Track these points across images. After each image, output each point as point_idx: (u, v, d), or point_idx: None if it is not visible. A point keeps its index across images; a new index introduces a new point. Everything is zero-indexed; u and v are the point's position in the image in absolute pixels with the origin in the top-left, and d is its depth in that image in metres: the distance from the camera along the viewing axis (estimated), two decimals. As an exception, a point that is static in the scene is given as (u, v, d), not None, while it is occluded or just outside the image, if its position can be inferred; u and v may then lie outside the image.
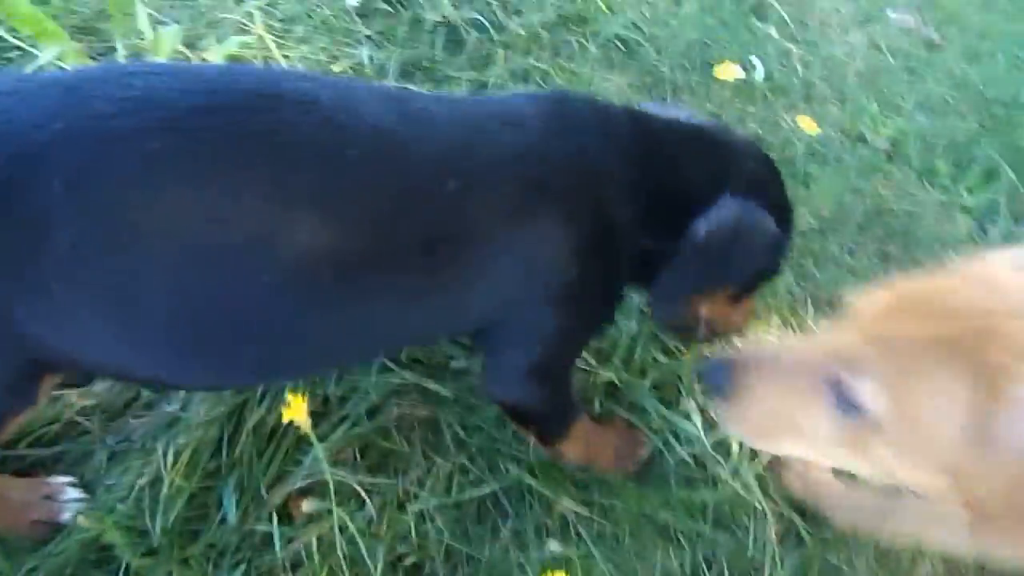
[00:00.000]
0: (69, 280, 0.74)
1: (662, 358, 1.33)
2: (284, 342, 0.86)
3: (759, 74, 1.96)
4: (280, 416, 1.14)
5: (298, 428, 1.15)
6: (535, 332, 0.97)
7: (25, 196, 0.71)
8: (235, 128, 0.76)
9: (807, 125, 1.70)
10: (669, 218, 0.98)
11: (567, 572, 0.92)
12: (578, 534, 1.13)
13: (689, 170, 1.02)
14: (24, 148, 0.71)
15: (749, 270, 1.03)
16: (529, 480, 1.14)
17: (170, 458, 1.11)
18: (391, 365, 1.23)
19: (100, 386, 1.20)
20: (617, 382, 1.28)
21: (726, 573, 1.16)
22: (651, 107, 1.13)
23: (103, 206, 0.73)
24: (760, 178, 1.06)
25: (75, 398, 1.17)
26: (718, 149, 1.05)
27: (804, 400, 0.76)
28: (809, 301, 1.54)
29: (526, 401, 1.05)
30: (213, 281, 0.78)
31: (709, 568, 1.15)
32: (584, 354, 1.27)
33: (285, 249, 0.78)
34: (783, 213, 1.07)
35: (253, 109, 0.78)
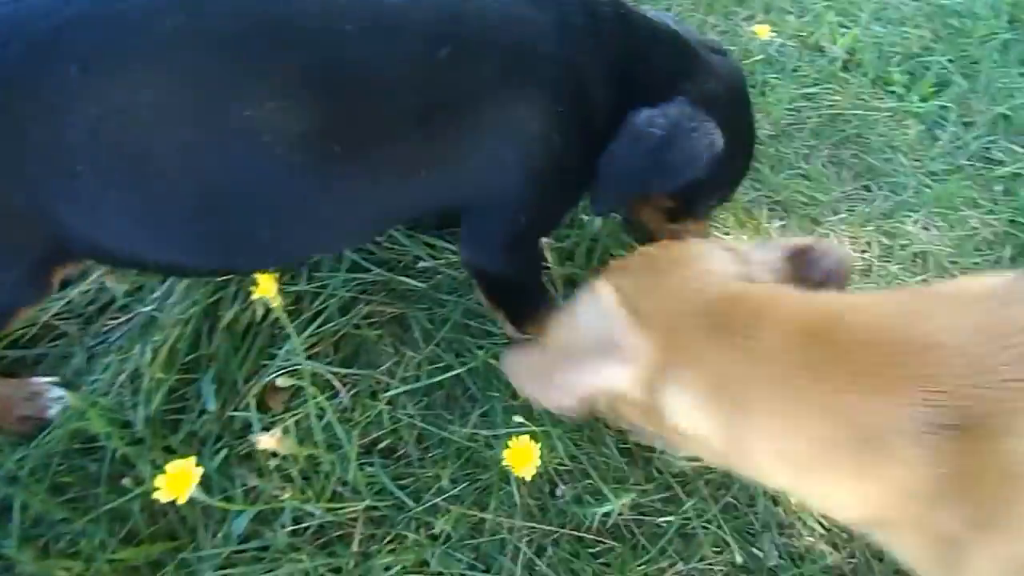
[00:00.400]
0: (91, 162, 0.78)
1: (622, 254, 1.39)
2: (295, 219, 0.91)
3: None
4: (253, 314, 1.19)
5: (272, 324, 1.20)
6: (514, 201, 1.02)
7: (45, 81, 0.75)
8: (240, 6, 0.80)
9: (761, 32, 1.73)
10: (630, 107, 1.01)
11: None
12: (539, 417, 1.20)
13: (659, 67, 1.05)
14: (40, 35, 0.74)
15: (681, 174, 1.02)
16: (495, 364, 1.20)
17: (148, 355, 1.15)
18: (362, 263, 1.27)
19: (75, 290, 1.23)
20: (577, 279, 1.34)
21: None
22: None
23: (118, 86, 0.77)
24: (724, 98, 1.08)
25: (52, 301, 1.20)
26: (693, 58, 1.08)
27: None
28: (764, 203, 1.60)
29: (500, 269, 1.11)
30: (227, 159, 0.83)
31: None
32: (546, 253, 1.32)
33: (295, 125, 0.82)
34: (737, 138, 1.08)
35: None
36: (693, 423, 0.81)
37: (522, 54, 0.93)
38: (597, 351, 0.83)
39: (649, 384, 0.81)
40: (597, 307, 0.85)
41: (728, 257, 0.88)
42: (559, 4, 0.98)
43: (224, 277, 1.19)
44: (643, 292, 0.84)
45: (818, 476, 0.76)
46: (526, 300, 1.18)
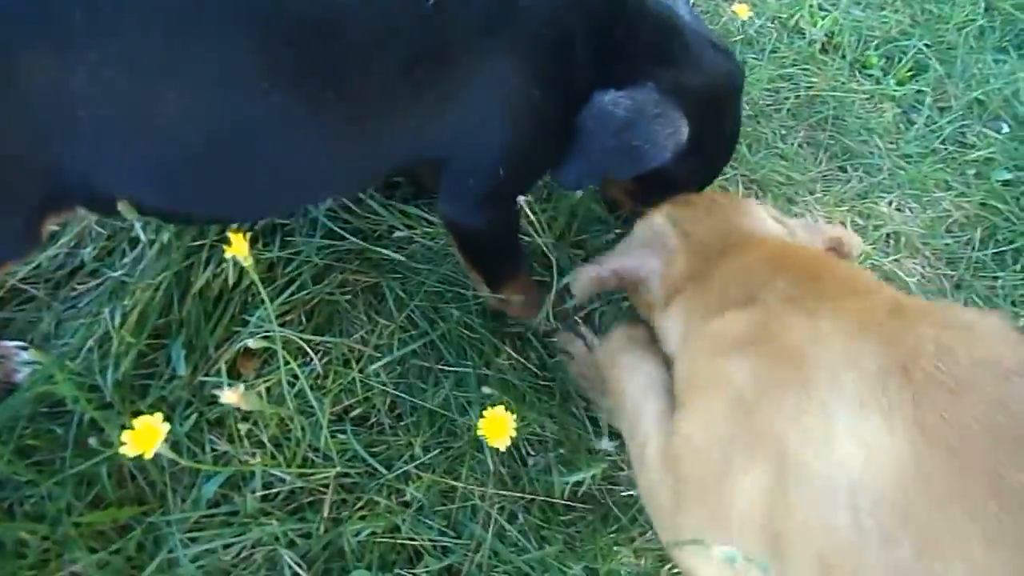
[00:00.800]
0: (93, 106, 0.80)
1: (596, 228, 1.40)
2: (288, 166, 0.94)
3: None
4: (225, 280, 1.18)
5: (244, 291, 1.19)
6: (492, 153, 1.02)
7: (49, 26, 0.76)
8: None
9: (741, 12, 1.73)
10: (607, 78, 1.02)
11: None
12: (514, 385, 1.20)
13: (639, 44, 1.05)
14: None
15: (642, 159, 1.02)
16: (471, 323, 1.21)
17: (117, 319, 1.14)
18: (337, 231, 1.26)
19: (44, 254, 1.21)
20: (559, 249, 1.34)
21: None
22: None
23: (120, 31, 0.78)
24: (702, 94, 1.07)
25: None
26: (678, 47, 1.08)
27: None
28: (740, 182, 1.61)
29: (477, 224, 1.11)
30: (224, 104, 0.85)
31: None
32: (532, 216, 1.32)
33: (290, 72, 0.85)
34: (709, 137, 1.10)
35: None
36: (671, 334, 0.97)
37: (506, 5, 0.93)
38: (644, 246, 1.04)
39: (669, 287, 0.99)
40: (653, 223, 1.05)
41: (775, 224, 1.05)
42: None
43: (219, 224, 1.19)
44: (694, 221, 1.02)
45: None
46: (502, 259, 1.19)
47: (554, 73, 0.99)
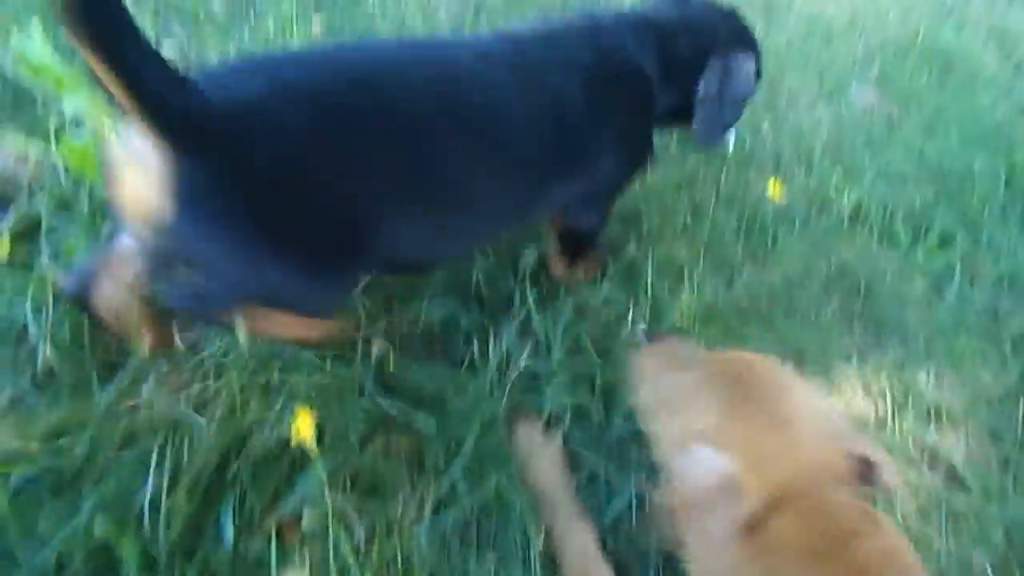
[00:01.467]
0: (403, 188, 1.12)
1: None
2: (497, 209, 1.33)
3: (732, 143, 2.11)
4: (278, 442, 1.21)
5: (295, 450, 1.22)
6: (607, 171, 1.44)
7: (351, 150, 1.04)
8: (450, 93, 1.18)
9: (773, 190, 1.83)
10: (680, 81, 1.47)
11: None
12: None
13: (687, 46, 1.47)
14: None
15: (742, 96, 1.52)
16: (511, 495, 1.22)
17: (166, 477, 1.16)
18: (378, 399, 1.29)
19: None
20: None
21: None
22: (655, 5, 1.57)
23: (408, 150, 1.10)
24: (734, 32, 1.54)
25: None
26: (704, 27, 1.50)
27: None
28: (775, 352, 1.63)
29: (586, 225, 1.56)
30: (466, 176, 1.21)
31: None
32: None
33: (496, 151, 1.24)
34: (752, 45, 1.57)
35: (452, 79, 1.19)
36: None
37: (596, 73, 1.35)
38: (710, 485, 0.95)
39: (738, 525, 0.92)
40: (711, 461, 0.97)
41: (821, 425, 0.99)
42: (612, 35, 1.41)
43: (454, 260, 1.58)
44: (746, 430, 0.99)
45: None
46: (592, 244, 1.59)
47: (643, 101, 1.44)
